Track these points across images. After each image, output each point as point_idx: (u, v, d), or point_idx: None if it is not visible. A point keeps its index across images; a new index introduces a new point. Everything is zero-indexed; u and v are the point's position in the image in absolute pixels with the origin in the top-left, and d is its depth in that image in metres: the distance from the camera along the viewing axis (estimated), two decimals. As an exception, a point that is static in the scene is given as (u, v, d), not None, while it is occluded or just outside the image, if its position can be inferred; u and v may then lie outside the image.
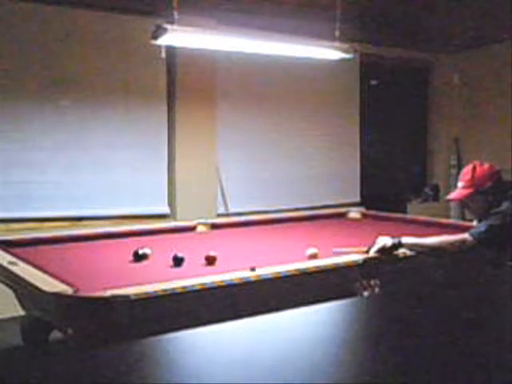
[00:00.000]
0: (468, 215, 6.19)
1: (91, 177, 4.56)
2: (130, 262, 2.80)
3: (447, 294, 1.40)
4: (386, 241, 2.78)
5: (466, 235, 2.71)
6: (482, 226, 2.71)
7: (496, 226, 2.66)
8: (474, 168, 2.82)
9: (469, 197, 2.81)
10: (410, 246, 2.78)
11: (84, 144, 4.54)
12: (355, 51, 3.69)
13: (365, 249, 2.82)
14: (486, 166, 2.82)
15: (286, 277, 2.43)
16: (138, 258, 2.81)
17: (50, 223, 4.32)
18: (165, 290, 2.12)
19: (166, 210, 4.87)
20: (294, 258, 2.75)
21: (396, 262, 2.80)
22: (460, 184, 2.86)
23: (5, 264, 2.61)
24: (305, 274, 2.49)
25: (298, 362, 0.92)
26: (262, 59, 4.24)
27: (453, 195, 2.92)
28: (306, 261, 2.70)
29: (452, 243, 2.72)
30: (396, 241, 2.77)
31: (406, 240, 2.79)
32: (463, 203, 2.97)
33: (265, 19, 4.73)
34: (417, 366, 0.92)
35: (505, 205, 2.71)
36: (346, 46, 3.59)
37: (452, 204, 6.51)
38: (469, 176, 2.80)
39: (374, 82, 6.44)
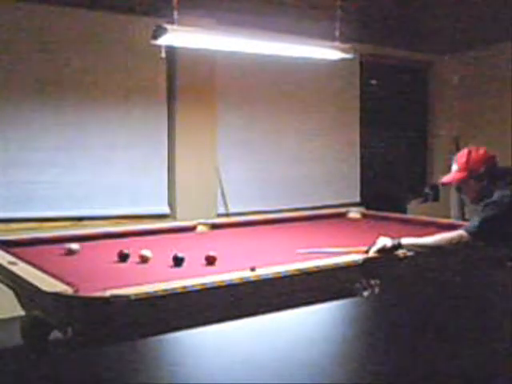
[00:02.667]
0: (468, 215, 6.19)
1: (91, 177, 4.56)
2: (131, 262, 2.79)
3: (448, 294, 1.40)
4: (385, 241, 2.78)
5: (461, 231, 2.70)
6: (476, 220, 2.69)
7: (490, 217, 2.63)
8: (470, 152, 2.78)
9: (462, 180, 2.78)
10: (410, 247, 2.78)
11: (84, 144, 4.54)
12: (355, 51, 3.69)
13: (363, 249, 2.83)
14: (482, 150, 2.79)
15: (286, 277, 2.43)
16: (125, 259, 2.83)
17: (50, 223, 4.31)
18: (165, 290, 2.12)
19: (166, 209, 4.87)
20: (294, 257, 2.75)
21: (397, 262, 2.81)
22: (454, 167, 2.83)
23: (5, 264, 2.61)
24: (305, 274, 2.49)
25: (298, 362, 0.92)
26: (261, 59, 4.23)
27: (446, 178, 2.88)
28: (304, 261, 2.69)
29: (449, 240, 2.70)
30: (396, 242, 2.78)
31: (405, 241, 2.79)
32: (457, 187, 2.95)
33: (265, 19, 4.73)
34: (417, 365, 0.92)
35: (496, 195, 2.67)
36: (345, 46, 3.59)
37: (452, 204, 6.51)
38: (464, 159, 2.77)
39: (373, 82, 6.44)
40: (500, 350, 0.99)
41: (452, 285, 1.49)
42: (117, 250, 2.84)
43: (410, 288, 1.45)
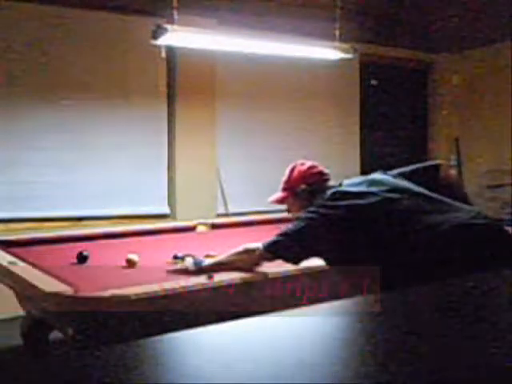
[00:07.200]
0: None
1: (91, 177, 4.56)
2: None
3: (447, 293, 1.40)
4: (188, 264, 2.49)
5: (258, 244, 2.32)
6: (276, 235, 2.27)
7: (296, 230, 2.20)
8: (293, 169, 2.55)
9: (283, 201, 2.53)
10: (212, 269, 2.39)
11: (84, 144, 4.54)
12: (355, 51, 3.69)
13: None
14: (305, 166, 2.56)
15: (285, 277, 2.43)
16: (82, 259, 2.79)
17: (50, 223, 4.32)
18: (165, 290, 2.12)
19: (166, 209, 4.87)
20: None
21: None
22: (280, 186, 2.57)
23: (5, 264, 2.61)
24: (304, 275, 2.49)
25: (298, 362, 0.92)
26: (261, 59, 4.24)
27: (271, 198, 2.59)
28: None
29: (240, 257, 2.37)
30: (198, 266, 2.45)
31: (208, 262, 2.48)
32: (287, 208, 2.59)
33: (265, 19, 4.73)
34: (417, 366, 0.92)
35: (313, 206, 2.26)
36: (346, 46, 3.60)
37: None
38: (286, 178, 2.55)
39: (374, 82, 6.44)
40: (500, 354, 0.99)
41: (452, 285, 1.49)
42: (116, 250, 2.84)
43: (411, 289, 1.46)
